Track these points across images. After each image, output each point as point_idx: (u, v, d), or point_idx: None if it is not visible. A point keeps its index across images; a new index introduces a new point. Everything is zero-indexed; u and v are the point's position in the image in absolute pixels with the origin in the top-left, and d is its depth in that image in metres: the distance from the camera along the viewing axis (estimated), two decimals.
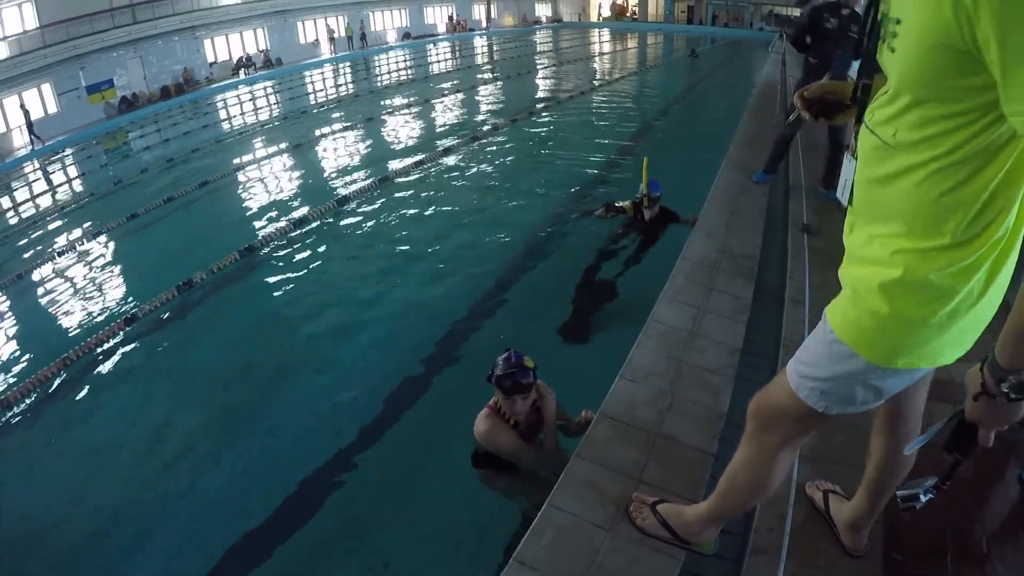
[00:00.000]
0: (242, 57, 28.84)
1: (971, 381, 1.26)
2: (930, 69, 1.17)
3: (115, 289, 7.68)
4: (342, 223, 8.58)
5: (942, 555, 2.26)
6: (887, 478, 2.00)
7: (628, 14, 46.00)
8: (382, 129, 15.08)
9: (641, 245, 6.22)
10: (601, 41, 35.82)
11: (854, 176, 1.51)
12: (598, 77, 20.70)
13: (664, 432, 2.95)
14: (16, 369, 6.00)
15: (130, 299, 7.09)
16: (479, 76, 23.05)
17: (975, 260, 1.27)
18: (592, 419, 3.06)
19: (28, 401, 5.41)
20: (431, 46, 35.15)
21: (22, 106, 19.89)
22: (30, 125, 19.43)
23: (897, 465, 1.95)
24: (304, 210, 8.99)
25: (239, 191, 11.44)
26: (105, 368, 5.81)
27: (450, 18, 40.50)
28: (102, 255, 9.03)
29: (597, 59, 26.96)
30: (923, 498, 1.48)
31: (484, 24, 42.53)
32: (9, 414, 5.26)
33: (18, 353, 6.49)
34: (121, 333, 6.20)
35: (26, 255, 9.56)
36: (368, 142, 14.14)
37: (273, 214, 9.34)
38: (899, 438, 1.90)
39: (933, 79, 1.18)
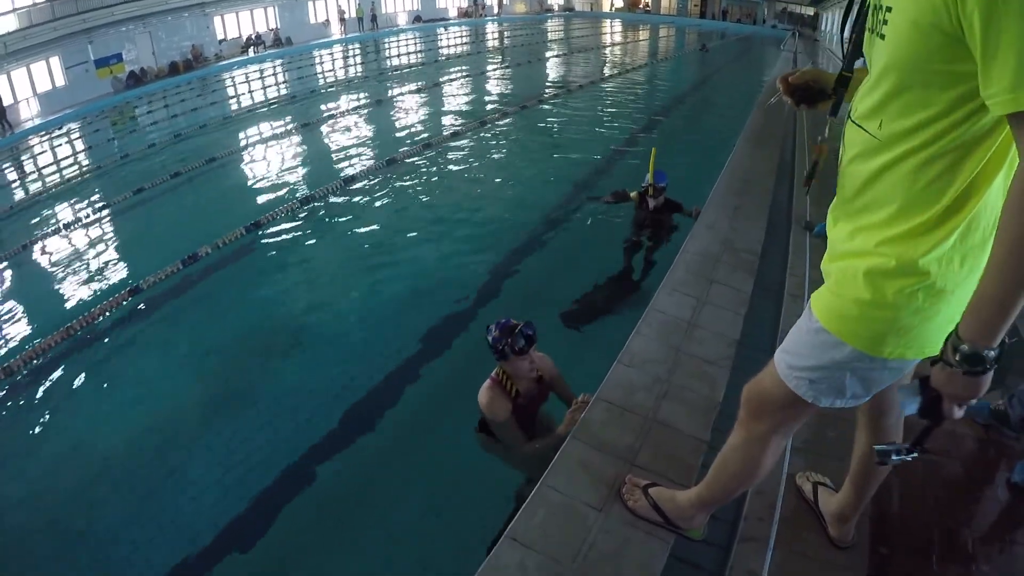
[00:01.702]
0: (251, 35, 28.69)
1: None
2: (919, 51, 1.20)
3: (120, 261, 7.72)
4: (349, 202, 8.61)
5: (928, 552, 2.29)
6: (871, 471, 2.03)
7: (641, 5, 45.74)
8: (390, 111, 15.05)
9: (647, 235, 6.25)
10: (612, 32, 35.66)
11: (839, 170, 1.53)
12: (608, 67, 20.63)
13: (659, 418, 2.98)
14: (21, 337, 6.04)
15: (135, 271, 7.13)
16: (489, 62, 22.97)
17: (955, 245, 1.30)
18: (589, 402, 3.10)
19: (31, 368, 5.47)
20: (442, 30, 35.01)
21: None
22: (1, 112, 18.31)
23: None
24: (311, 189, 9.01)
25: (246, 168, 11.45)
26: (108, 338, 5.87)
27: (475, 1, 40.31)
28: (108, 228, 9.07)
29: (608, 49, 26.86)
30: (895, 458, 1.49)
31: (496, 10, 42.31)
32: (13, 380, 5.32)
33: (23, 322, 6.55)
34: (125, 304, 6.24)
35: (32, 226, 9.56)
36: (376, 124, 14.13)
37: (280, 192, 9.37)
38: (882, 432, 1.93)
39: (921, 62, 1.20)
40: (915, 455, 1.51)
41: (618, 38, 32.25)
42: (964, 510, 2.50)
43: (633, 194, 6.30)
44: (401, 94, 16.77)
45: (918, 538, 2.36)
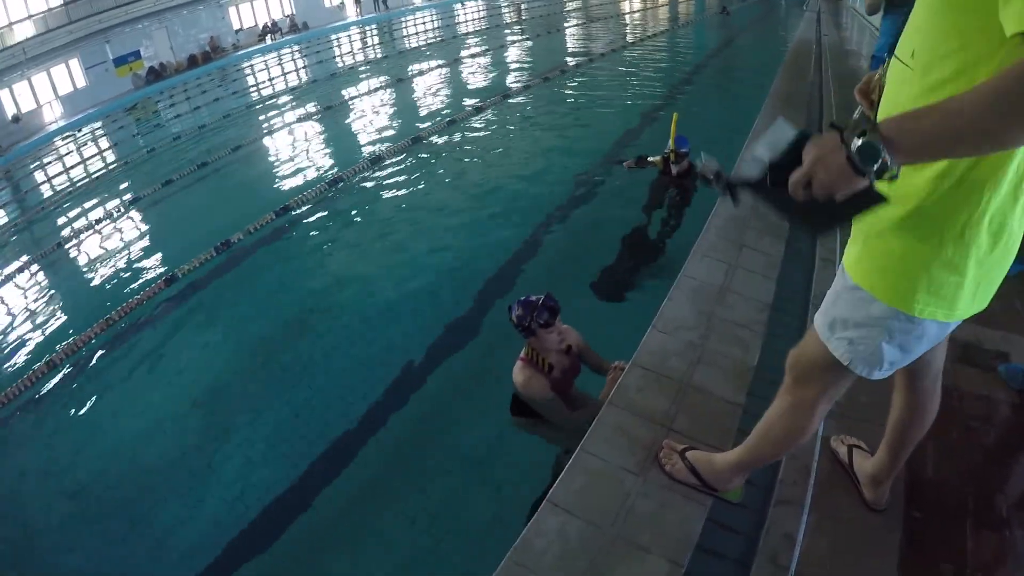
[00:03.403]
0: (268, 23, 28.75)
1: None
2: None
3: (154, 252, 7.89)
4: (376, 182, 8.65)
5: (961, 517, 2.28)
6: (907, 434, 2.03)
7: None
8: (411, 90, 15.04)
9: (673, 200, 6.21)
10: None
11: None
12: (629, 35, 20.30)
13: (694, 383, 3.00)
14: (62, 330, 6.23)
15: (170, 260, 7.28)
16: (508, 35, 22.70)
17: (977, 186, 1.24)
18: (624, 368, 3.12)
19: (75, 360, 5.65)
20: (458, 5, 34.64)
21: None
22: None
23: (916, 421, 1.98)
24: (338, 170, 9.08)
25: (272, 154, 11.57)
26: (147, 326, 6.03)
27: None
28: (140, 220, 9.26)
29: (627, 16, 26.40)
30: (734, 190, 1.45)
31: None
32: (57, 373, 5.51)
33: (63, 316, 6.75)
34: (162, 293, 6.40)
35: (66, 223, 9.81)
36: (398, 103, 14.12)
37: (307, 175, 9.48)
38: (918, 394, 1.92)
39: None
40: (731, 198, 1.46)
41: (637, 4, 31.53)
42: (998, 475, 2.48)
43: (657, 159, 6.25)
44: (421, 72, 16.71)
45: (952, 502, 2.34)
